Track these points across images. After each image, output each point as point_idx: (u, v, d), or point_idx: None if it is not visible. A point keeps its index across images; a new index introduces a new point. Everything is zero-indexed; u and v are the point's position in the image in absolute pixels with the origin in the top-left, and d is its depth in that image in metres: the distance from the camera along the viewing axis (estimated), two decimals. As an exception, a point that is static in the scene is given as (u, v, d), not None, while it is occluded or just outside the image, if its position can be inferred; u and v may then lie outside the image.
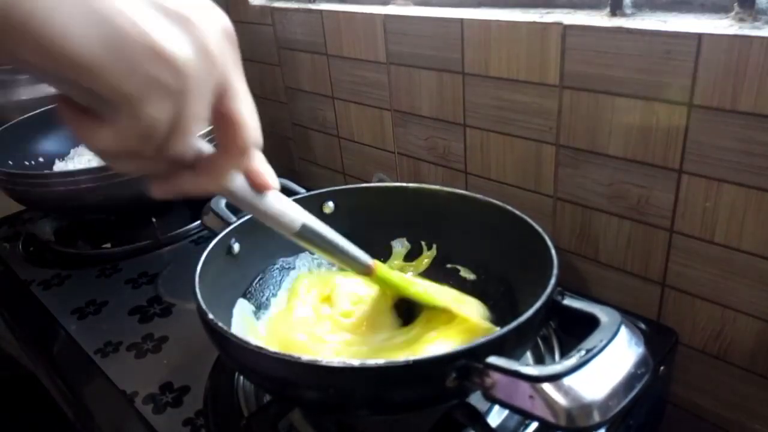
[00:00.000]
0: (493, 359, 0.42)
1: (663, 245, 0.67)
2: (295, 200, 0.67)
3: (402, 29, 0.83)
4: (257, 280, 0.65)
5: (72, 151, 1.12)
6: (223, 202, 0.68)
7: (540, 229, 0.58)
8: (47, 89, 1.43)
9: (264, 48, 1.11)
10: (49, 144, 1.13)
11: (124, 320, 0.78)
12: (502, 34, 0.71)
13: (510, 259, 0.63)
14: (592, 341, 0.41)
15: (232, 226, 0.62)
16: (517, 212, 0.61)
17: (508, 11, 0.74)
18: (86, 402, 0.67)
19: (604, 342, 0.41)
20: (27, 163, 1.08)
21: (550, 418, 0.39)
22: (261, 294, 0.65)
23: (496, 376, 0.41)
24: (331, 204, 0.70)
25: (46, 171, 1.05)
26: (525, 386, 0.39)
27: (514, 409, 0.41)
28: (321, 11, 0.94)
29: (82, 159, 1.06)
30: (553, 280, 0.50)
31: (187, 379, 0.66)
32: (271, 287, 0.67)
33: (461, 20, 0.75)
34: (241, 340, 0.46)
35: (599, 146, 0.68)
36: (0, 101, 1.41)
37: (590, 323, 0.44)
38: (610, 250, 0.72)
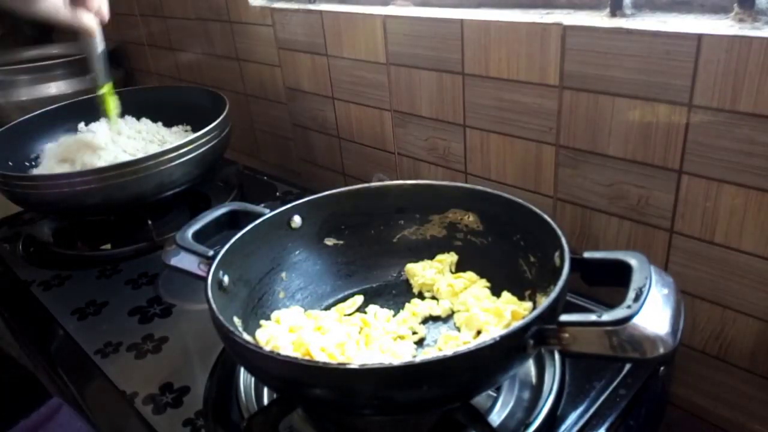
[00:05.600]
0: (565, 317, 0.45)
1: (663, 245, 0.67)
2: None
3: (402, 30, 0.83)
4: (252, 308, 0.63)
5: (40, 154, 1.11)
6: (190, 234, 0.64)
7: (530, 205, 0.60)
8: (47, 90, 1.43)
9: (264, 48, 1.11)
10: (49, 145, 1.13)
11: (124, 321, 0.78)
12: (502, 34, 0.71)
13: (510, 241, 0.64)
14: (637, 281, 0.46)
15: (217, 259, 0.58)
16: (507, 195, 0.63)
17: (507, 12, 0.74)
18: (86, 402, 0.67)
19: (648, 280, 0.46)
20: (27, 164, 1.08)
21: (637, 355, 0.42)
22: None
23: (572, 330, 0.44)
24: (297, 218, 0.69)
25: (44, 173, 1.05)
26: (603, 333, 0.43)
27: (595, 357, 0.44)
28: (321, 12, 0.94)
29: (50, 163, 1.05)
30: (563, 239, 0.53)
31: (187, 380, 0.66)
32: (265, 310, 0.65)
33: (461, 21, 0.75)
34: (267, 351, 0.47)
35: (599, 146, 0.68)
36: (0, 102, 1.41)
37: (621, 269, 0.49)
38: (610, 250, 0.72)
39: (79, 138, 1.08)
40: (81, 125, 1.13)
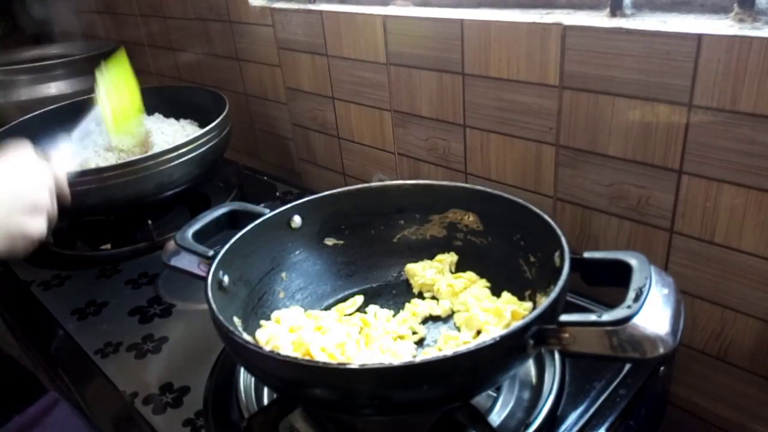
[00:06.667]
0: (565, 317, 0.45)
1: (663, 245, 0.67)
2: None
3: (402, 29, 0.83)
4: (252, 308, 0.63)
5: None
6: (190, 234, 0.64)
7: (530, 205, 0.60)
8: (47, 90, 1.43)
9: (264, 48, 1.11)
10: (50, 145, 1.12)
11: (124, 321, 0.78)
12: (502, 34, 0.71)
13: (510, 240, 0.64)
14: (637, 282, 0.46)
15: (217, 259, 0.58)
16: (507, 195, 0.63)
17: (508, 12, 0.74)
18: (86, 402, 0.67)
19: (648, 280, 0.46)
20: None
21: (637, 355, 0.42)
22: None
23: (572, 330, 0.44)
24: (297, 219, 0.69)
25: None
26: (603, 333, 0.43)
27: (595, 357, 0.44)
28: (321, 12, 0.94)
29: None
30: (563, 239, 0.53)
31: (187, 380, 0.66)
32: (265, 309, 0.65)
33: (461, 21, 0.75)
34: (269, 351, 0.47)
35: (599, 146, 0.68)
36: (0, 102, 1.41)
37: (621, 269, 0.49)
38: (610, 250, 0.72)
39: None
40: None
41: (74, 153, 0.73)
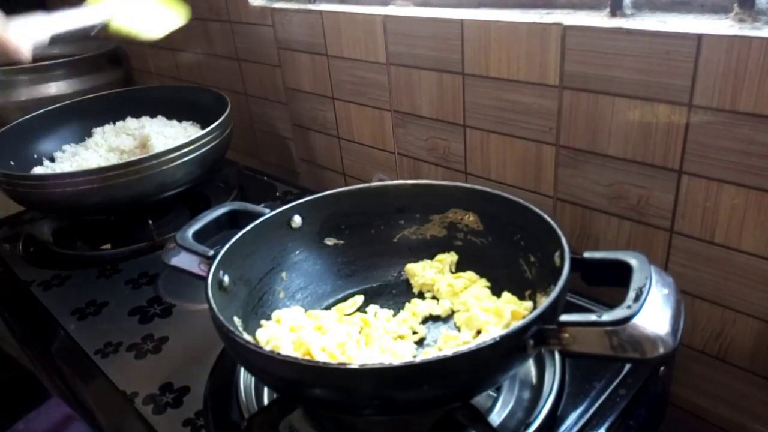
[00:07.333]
0: (565, 317, 0.45)
1: (663, 245, 0.67)
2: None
3: (402, 30, 0.84)
4: (252, 307, 0.63)
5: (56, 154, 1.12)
6: (190, 234, 0.64)
7: (530, 205, 0.60)
8: (47, 90, 1.43)
9: (264, 48, 1.11)
10: (51, 145, 1.13)
11: (124, 321, 0.78)
12: (502, 34, 0.72)
13: (510, 240, 0.64)
14: (637, 282, 0.46)
15: (218, 259, 0.58)
16: (507, 195, 0.63)
17: (508, 12, 0.74)
18: (86, 402, 0.67)
19: (648, 280, 0.46)
20: (29, 164, 1.08)
21: (637, 355, 0.42)
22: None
23: (572, 330, 0.44)
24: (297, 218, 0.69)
25: (47, 172, 1.05)
26: (603, 333, 0.43)
27: (595, 357, 0.44)
28: (321, 12, 0.95)
29: (64, 164, 1.06)
30: (563, 239, 0.53)
31: (187, 380, 0.66)
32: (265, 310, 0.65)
33: (461, 21, 0.75)
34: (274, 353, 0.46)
35: (599, 146, 0.68)
36: (0, 102, 1.41)
37: (621, 269, 0.49)
38: (610, 250, 0.72)
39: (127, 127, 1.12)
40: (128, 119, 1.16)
41: (44, 30, 0.72)
